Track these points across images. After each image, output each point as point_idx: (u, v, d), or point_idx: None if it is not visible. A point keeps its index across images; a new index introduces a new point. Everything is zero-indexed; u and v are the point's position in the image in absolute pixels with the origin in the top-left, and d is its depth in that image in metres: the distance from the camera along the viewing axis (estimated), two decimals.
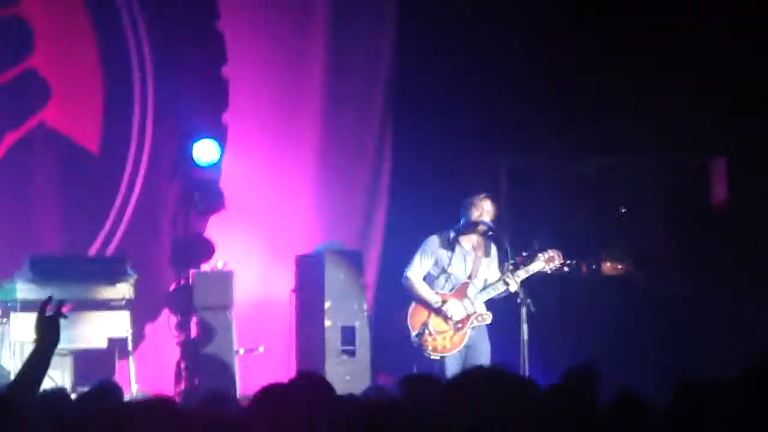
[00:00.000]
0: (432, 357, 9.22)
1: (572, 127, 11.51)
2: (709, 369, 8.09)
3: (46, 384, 9.03)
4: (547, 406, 4.17)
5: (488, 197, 9.45)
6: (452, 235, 9.41)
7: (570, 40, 11.39)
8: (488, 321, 9.33)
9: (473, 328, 9.29)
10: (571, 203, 11.76)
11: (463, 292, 9.34)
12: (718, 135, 11.60)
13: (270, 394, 3.61)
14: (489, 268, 9.44)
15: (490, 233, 9.43)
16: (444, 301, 9.29)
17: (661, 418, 4.03)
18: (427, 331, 9.24)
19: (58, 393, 6.07)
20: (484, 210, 9.36)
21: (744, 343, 10.03)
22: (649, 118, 11.44)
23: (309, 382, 4.58)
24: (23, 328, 9.41)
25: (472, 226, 9.38)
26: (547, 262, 9.39)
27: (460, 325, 9.27)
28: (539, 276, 9.45)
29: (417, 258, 9.43)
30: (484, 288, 9.37)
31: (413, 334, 9.28)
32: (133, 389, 9.62)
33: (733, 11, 11.36)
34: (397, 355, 9.62)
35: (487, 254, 9.45)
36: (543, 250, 9.44)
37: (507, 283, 9.24)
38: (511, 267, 9.27)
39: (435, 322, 9.28)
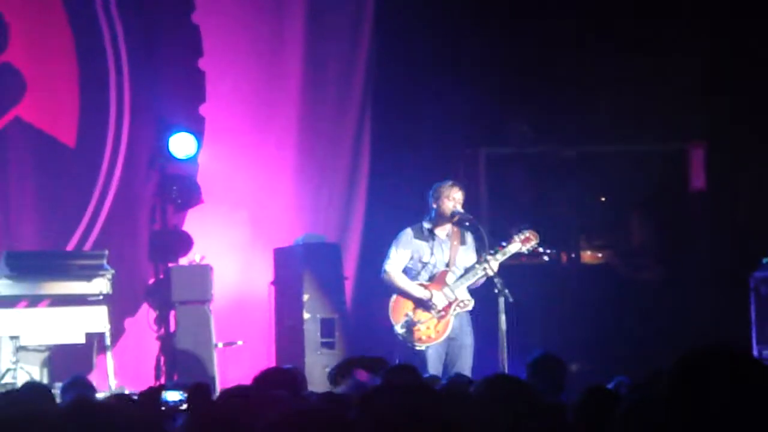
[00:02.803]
0: (417, 348, 9.16)
1: (551, 116, 11.51)
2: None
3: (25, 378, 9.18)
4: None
5: (455, 185, 9.36)
6: (426, 225, 9.36)
7: (544, 28, 11.36)
8: (470, 307, 9.25)
9: (456, 316, 9.24)
10: (550, 191, 11.74)
11: (442, 280, 9.29)
12: (697, 120, 11.58)
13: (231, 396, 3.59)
14: (466, 255, 9.38)
15: (466, 223, 9.35)
16: (425, 290, 9.24)
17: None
18: (411, 322, 9.20)
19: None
20: (452, 198, 9.28)
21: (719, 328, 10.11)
22: (628, 104, 11.44)
23: (273, 380, 4.56)
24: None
25: (445, 217, 9.32)
26: (523, 242, 9.29)
27: (442, 313, 9.21)
28: (519, 266, 9.38)
29: (392, 251, 9.37)
30: (463, 275, 9.30)
31: (397, 326, 9.22)
32: (111, 384, 9.59)
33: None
34: (377, 347, 9.58)
35: (462, 242, 9.38)
36: (519, 232, 9.35)
37: (485, 268, 9.16)
38: (490, 252, 9.20)
39: (418, 313, 9.23)
